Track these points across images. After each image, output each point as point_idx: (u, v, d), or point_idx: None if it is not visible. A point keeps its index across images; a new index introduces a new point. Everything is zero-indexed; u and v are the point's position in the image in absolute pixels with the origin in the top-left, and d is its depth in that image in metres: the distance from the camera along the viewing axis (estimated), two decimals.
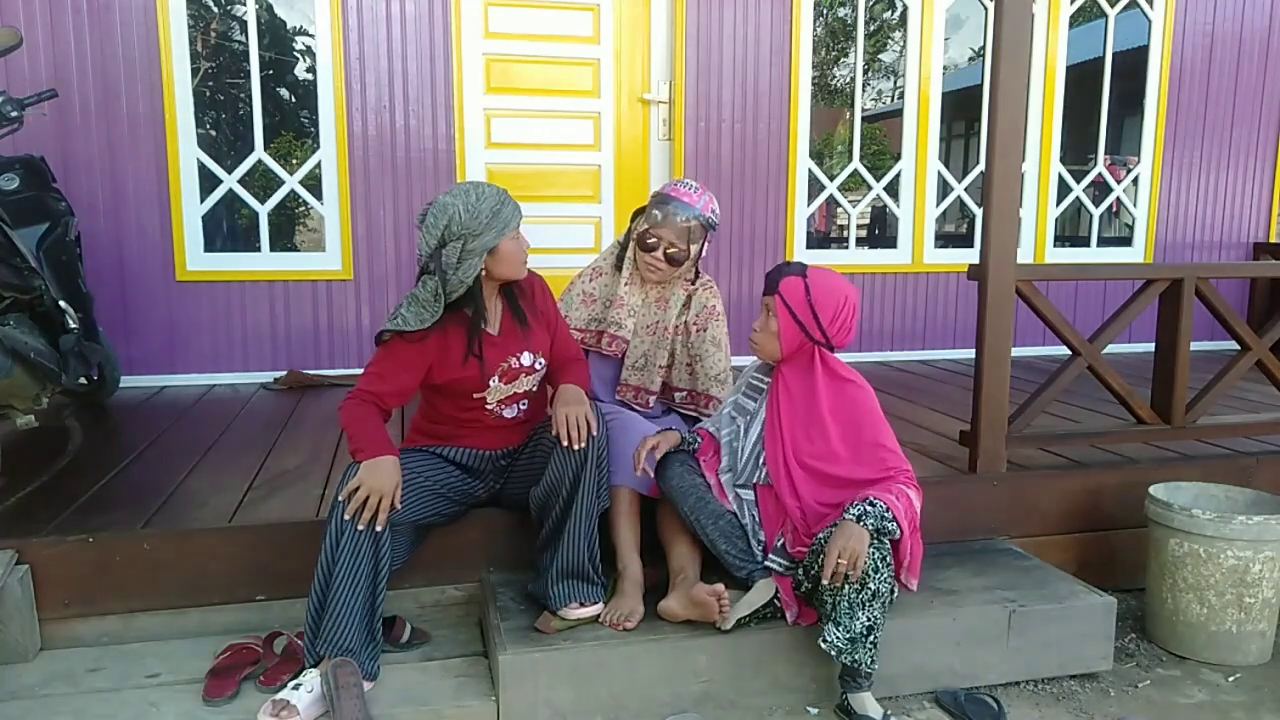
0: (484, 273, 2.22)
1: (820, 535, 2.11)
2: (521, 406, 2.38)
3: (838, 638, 2.04)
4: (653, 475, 2.34)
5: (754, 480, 2.32)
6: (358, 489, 2.05)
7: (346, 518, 2.04)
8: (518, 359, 2.32)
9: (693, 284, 2.69)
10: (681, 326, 2.67)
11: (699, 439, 2.42)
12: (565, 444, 2.18)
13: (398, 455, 2.14)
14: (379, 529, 2.07)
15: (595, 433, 2.22)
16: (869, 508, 2.05)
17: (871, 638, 2.05)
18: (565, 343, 2.45)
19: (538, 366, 2.36)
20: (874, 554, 2.03)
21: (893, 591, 2.10)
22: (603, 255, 2.74)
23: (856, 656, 2.04)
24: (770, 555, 2.23)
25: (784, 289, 2.24)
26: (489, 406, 2.33)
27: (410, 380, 2.24)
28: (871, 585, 2.03)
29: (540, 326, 2.37)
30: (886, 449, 2.21)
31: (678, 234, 2.54)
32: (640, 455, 2.29)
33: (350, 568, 2.03)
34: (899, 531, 2.08)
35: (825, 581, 2.00)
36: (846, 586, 2.03)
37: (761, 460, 2.31)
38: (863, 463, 2.20)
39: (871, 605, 2.04)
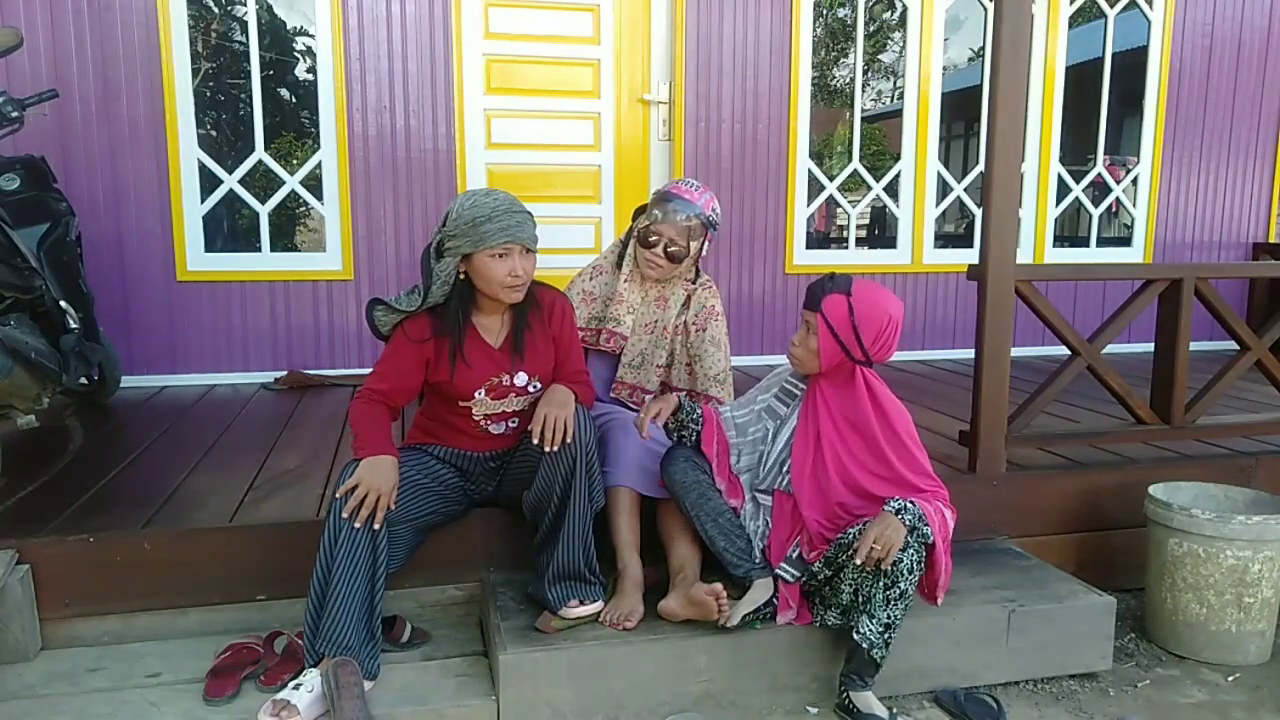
0: (465, 278, 2.21)
1: (853, 530, 2.09)
2: (511, 425, 2.36)
3: (872, 630, 2.06)
4: (652, 435, 2.29)
5: (775, 485, 2.31)
6: (355, 487, 2.06)
7: (344, 515, 2.04)
8: (510, 377, 2.29)
9: (693, 284, 2.69)
10: (681, 326, 2.67)
11: (698, 409, 2.35)
12: (536, 443, 2.16)
13: (397, 456, 2.15)
14: (376, 527, 2.07)
15: (570, 439, 2.15)
16: (908, 504, 2.06)
17: (888, 635, 2.07)
18: (574, 369, 2.38)
19: (531, 389, 2.32)
20: (911, 555, 2.03)
21: (911, 597, 2.11)
22: (603, 254, 2.74)
23: (878, 653, 2.07)
24: (782, 565, 2.22)
25: (827, 307, 2.19)
26: (475, 418, 2.32)
27: (414, 379, 2.26)
28: (901, 585, 2.05)
29: (546, 349, 2.33)
30: (926, 474, 2.20)
31: (678, 231, 2.54)
32: (644, 421, 2.23)
33: (348, 565, 2.04)
34: (931, 536, 2.07)
35: (859, 561, 1.99)
36: (879, 581, 2.04)
37: (786, 467, 2.29)
38: (899, 484, 2.18)
39: (897, 605, 2.06)
